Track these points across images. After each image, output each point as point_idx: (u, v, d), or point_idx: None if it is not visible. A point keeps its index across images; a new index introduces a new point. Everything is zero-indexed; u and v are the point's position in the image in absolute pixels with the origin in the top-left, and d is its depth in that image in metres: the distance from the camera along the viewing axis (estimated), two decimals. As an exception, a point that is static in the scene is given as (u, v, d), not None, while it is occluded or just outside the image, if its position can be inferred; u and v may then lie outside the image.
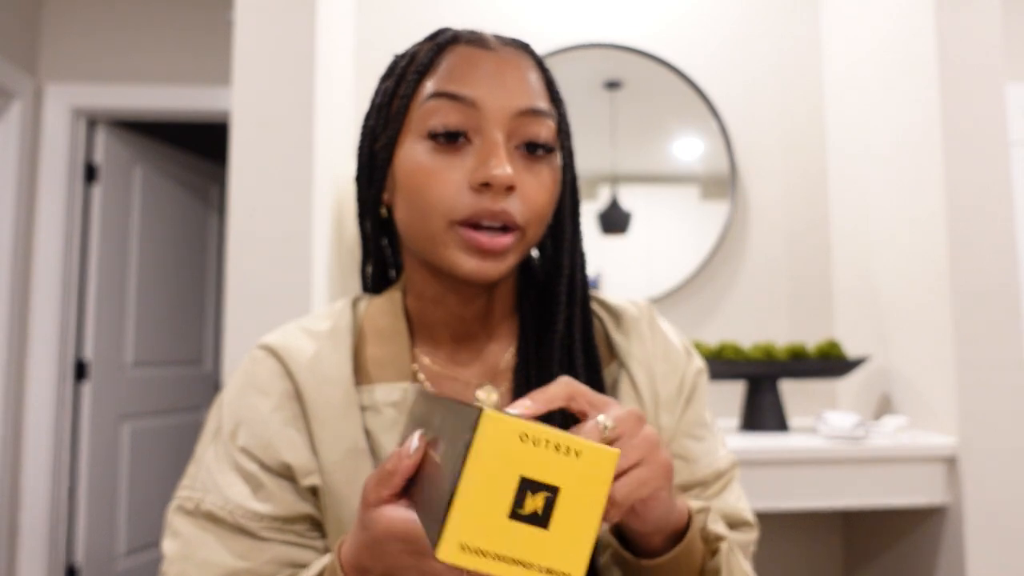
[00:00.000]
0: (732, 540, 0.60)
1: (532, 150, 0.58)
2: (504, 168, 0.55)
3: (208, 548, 0.57)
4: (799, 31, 1.97)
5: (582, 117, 1.88)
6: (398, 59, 0.64)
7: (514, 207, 0.56)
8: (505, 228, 0.57)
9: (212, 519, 0.58)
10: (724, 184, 1.91)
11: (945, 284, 1.43)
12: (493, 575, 0.36)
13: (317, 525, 0.60)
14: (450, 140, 0.57)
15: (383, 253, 0.69)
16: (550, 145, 0.59)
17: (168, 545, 0.59)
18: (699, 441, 0.67)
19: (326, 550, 0.60)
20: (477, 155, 0.57)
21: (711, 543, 0.58)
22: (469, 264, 0.57)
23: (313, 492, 0.59)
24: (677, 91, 1.92)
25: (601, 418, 0.45)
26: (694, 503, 0.60)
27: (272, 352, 0.63)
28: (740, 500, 0.67)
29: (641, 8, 1.96)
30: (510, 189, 0.56)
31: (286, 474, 0.59)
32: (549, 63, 1.90)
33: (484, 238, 0.56)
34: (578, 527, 0.36)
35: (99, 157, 2.70)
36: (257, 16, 1.43)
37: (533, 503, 0.36)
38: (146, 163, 2.93)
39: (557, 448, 0.36)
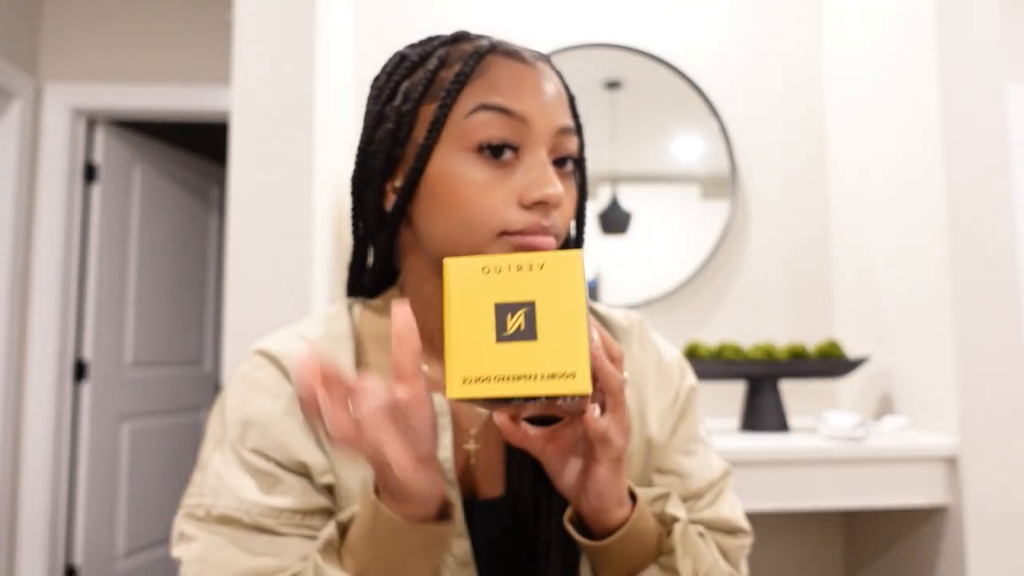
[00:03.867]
0: (687, 521, 0.61)
1: (562, 164, 0.60)
2: (557, 187, 0.56)
3: (224, 551, 0.56)
4: (799, 30, 1.97)
5: (582, 117, 1.87)
6: (415, 60, 0.61)
7: (557, 222, 0.58)
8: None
9: (226, 521, 0.57)
10: (724, 184, 1.90)
11: (945, 284, 1.43)
12: (505, 395, 0.38)
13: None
14: (497, 154, 0.56)
15: (382, 259, 0.66)
16: (579, 158, 0.62)
17: (181, 550, 0.57)
18: (692, 456, 0.68)
19: None
20: (525, 172, 0.57)
21: (667, 525, 0.60)
22: None
23: (329, 490, 0.59)
24: (677, 91, 1.92)
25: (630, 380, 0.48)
26: (649, 490, 0.62)
27: (270, 357, 0.62)
28: (734, 508, 0.68)
29: (641, 8, 1.96)
30: (558, 206, 0.57)
31: (303, 471, 0.59)
32: (549, 63, 1.90)
33: (535, 239, 0.56)
34: (566, 330, 0.38)
35: (99, 157, 2.70)
36: (257, 16, 1.42)
37: (514, 322, 0.38)
38: (146, 163, 2.93)
39: (519, 268, 0.39)
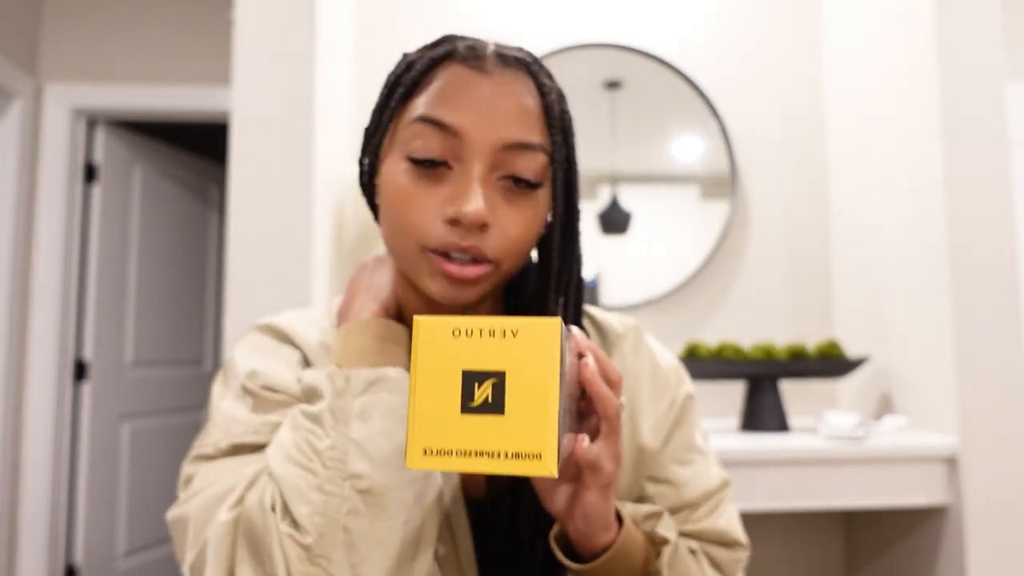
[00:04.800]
0: (677, 543, 0.60)
1: (516, 183, 0.57)
2: (477, 205, 0.53)
3: (234, 471, 0.56)
4: (800, 30, 1.97)
5: (582, 117, 1.86)
6: (399, 63, 0.62)
7: (486, 243, 0.55)
8: (475, 260, 0.56)
9: (236, 449, 0.57)
10: (724, 184, 1.90)
11: (945, 284, 1.43)
12: (466, 471, 0.36)
13: None
14: (429, 167, 0.56)
15: None
16: (535, 181, 0.57)
17: (185, 487, 0.58)
18: (687, 465, 0.68)
19: None
20: (454, 185, 0.55)
21: (657, 546, 0.60)
22: (436, 288, 0.56)
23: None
24: (677, 91, 1.92)
25: (624, 399, 0.47)
26: (642, 507, 0.62)
27: (276, 330, 0.65)
28: (731, 520, 0.67)
29: (641, 8, 1.96)
30: (483, 226, 0.55)
31: None
32: (549, 63, 1.90)
33: (452, 267, 0.55)
34: (536, 406, 0.36)
35: (99, 157, 2.70)
36: (257, 16, 1.42)
37: (482, 393, 0.36)
38: (146, 163, 2.93)
39: (492, 334, 0.36)
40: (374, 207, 0.65)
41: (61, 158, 2.58)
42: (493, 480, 0.63)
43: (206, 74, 2.62)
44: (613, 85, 1.93)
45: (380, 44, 1.88)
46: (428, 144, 0.55)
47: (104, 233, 2.71)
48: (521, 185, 0.57)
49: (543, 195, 0.59)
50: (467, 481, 0.64)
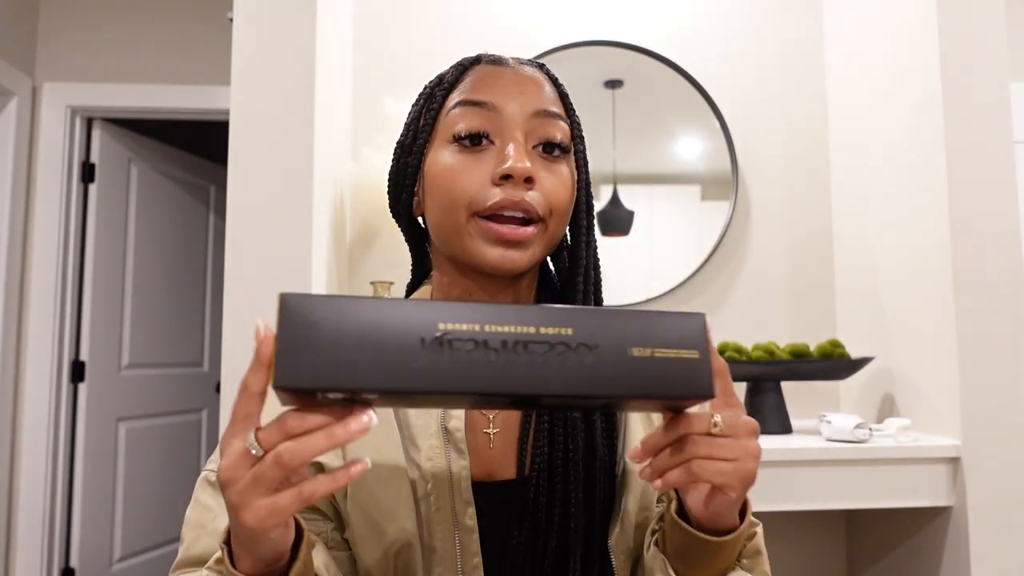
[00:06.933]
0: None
1: (549, 150, 0.63)
2: (523, 162, 0.60)
3: (221, 518, 0.59)
4: (802, 30, 1.96)
5: (582, 116, 1.86)
6: (429, 83, 0.70)
7: (534, 199, 0.61)
8: (527, 221, 0.61)
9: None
10: (725, 184, 1.90)
11: (948, 284, 1.42)
12: None
13: (316, 509, 0.63)
14: (473, 142, 0.62)
15: (414, 254, 0.75)
16: (565, 145, 0.65)
17: (189, 512, 0.62)
18: None
19: (335, 531, 0.64)
20: (498, 153, 0.62)
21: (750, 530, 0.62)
22: (493, 254, 0.60)
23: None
24: (678, 90, 1.91)
25: (716, 417, 0.49)
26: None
27: None
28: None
29: (642, 6, 1.95)
30: (529, 181, 0.61)
31: None
32: (549, 61, 1.89)
33: (505, 229, 0.60)
34: None
35: (96, 156, 2.69)
36: (257, 15, 1.41)
37: None
38: (143, 162, 2.92)
39: None
40: (407, 215, 0.69)
41: (58, 157, 2.57)
42: (521, 463, 0.64)
43: (204, 74, 2.61)
44: (614, 83, 1.92)
45: (380, 43, 1.87)
46: (469, 122, 0.62)
47: (101, 233, 2.70)
48: (553, 151, 0.64)
49: (572, 163, 0.66)
50: (497, 464, 0.65)
